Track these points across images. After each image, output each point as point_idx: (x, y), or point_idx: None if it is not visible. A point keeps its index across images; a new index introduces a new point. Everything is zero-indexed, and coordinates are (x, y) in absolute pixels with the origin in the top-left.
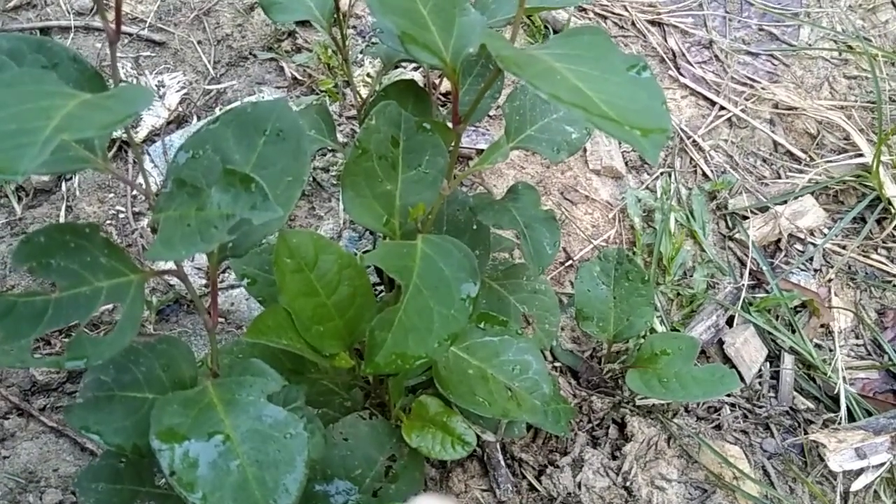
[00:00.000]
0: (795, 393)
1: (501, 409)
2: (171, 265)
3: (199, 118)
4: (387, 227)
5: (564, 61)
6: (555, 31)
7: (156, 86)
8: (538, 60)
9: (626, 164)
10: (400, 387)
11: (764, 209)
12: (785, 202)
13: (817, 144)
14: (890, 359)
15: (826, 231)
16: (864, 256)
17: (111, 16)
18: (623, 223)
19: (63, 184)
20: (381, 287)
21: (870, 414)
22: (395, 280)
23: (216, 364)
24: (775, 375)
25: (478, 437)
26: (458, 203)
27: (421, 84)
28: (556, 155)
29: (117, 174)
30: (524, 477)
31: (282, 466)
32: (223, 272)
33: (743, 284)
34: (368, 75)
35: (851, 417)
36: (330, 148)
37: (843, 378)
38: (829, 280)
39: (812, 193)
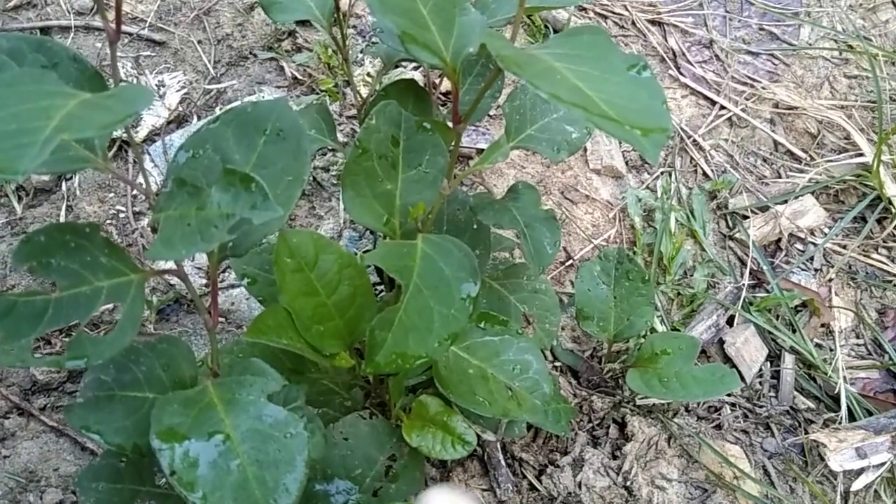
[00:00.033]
0: (796, 392)
1: (502, 409)
2: (171, 265)
3: (199, 118)
4: (387, 226)
5: (564, 61)
6: (555, 31)
7: (156, 85)
8: (538, 60)
9: (627, 163)
10: (400, 386)
11: (764, 209)
12: (785, 202)
13: (818, 144)
14: (890, 358)
15: (826, 230)
16: (864, 256)
17: (111, 15)
18: (623, 223)
19: (63, 183)
20: (382, 287)
21: (870, 413)
22: (396, 280)
23: (216, 364)
24: (776, 375)
25: (478, 436)
26: (458, 202)
27: (421, 83)
28: (557, 154)
29: (117, 174)
30: (524, 476)
31: (282, 466)
32: (223, 272)
33: (743, 284)
34: (368, 75)
35: (852, 417)
36: (330, 147)
37: (844, 378)
38: (830, 280)
39: (812, 193)
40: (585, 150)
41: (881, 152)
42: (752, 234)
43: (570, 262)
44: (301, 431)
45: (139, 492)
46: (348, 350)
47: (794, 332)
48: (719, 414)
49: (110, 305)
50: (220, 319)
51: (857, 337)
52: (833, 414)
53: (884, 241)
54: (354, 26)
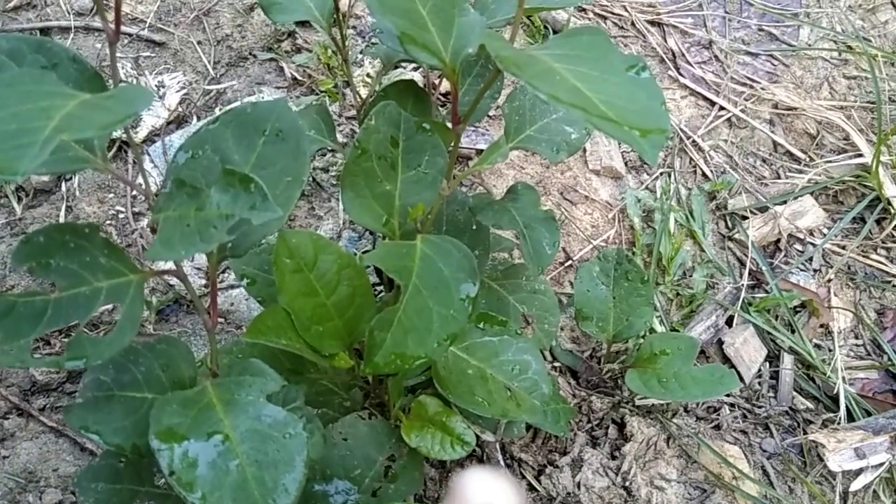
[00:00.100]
0: (795, 393)
1: (501, 409)
2: (170, 265)
3: (198, 118)
4: (386, 227)
5: (564, 62)
6: (554, 32)
7: (155, 86)
8: (537, 61)
9: (626, 164)
10: (399, 387)
11: (763, 209)
12: (784, 202)
13: (817, 144)
14: (889, 359)
15: (825, 231)
16: (863, 256)
17: (111, 16)
18: (622, 223)
19: (63, 184)
20: (381, 287)
21: (869, 414)
22: (395, 280)
23: (215, 364)
24: (775, 375)
25: (477, 436)
26: (457, 203)
27: (420, 84)
28: (556, 155)
29: (117, 174)
30: (524, 477)
31: (281, 466)
32: (223, 272)
33: (742, 284)
34: (368, 75)
35: (851, 417)
36: (329, 148)
37: (843, 378)
38: (829, 280)
39: (811, 193)
40: (585, 150)
41: (880, 153)
42: (751, 235)
43: (570, 262)
44: (300, 432)
45: (138, 492)
46: (347, 350)
47: (793, 332)
48: (718, 414)
49: (110, 306)
50: (220, 320)
51: (856, 337)
52: (832, 414)
53: (883, 242)
54: (354, 27)
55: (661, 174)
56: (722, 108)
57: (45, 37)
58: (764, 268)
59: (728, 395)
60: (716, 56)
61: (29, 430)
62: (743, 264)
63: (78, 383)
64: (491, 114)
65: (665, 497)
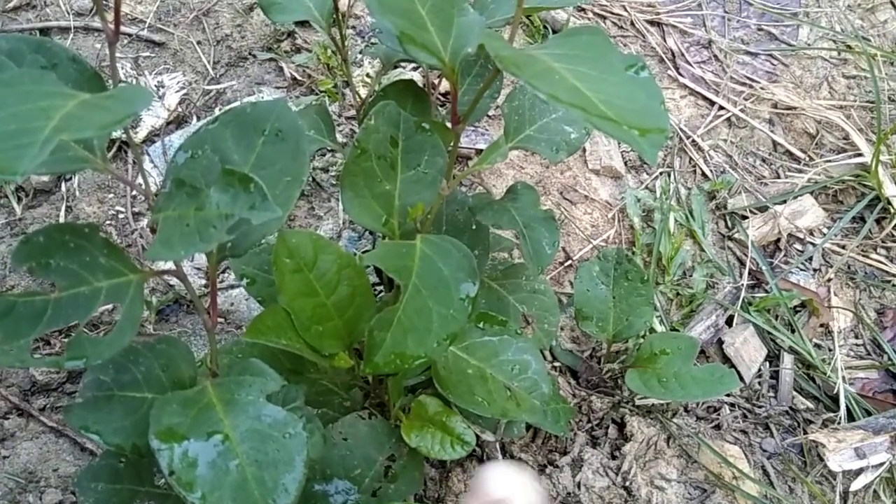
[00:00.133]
0: (795, 393)
1: (500, 409)
2: (170, 265)
3: (198, 118)
4: (386, 227)
5: (563, 61)
6: (554, 31)
7: (155, 86)
8: (537, 60)
9: (626, 163)
10: (399, 386)
11: (763, 209)
12: (784, 202)
13: (816, 144)
14: (889, 358)
15: (825, 231)
16: (863, 256)
17: (110, 16)
18: (622, 223)
19: (63, 184)
20: (381, 287)
21: (869, 414)
22: (394, 280)
23: (215, 364)
24: (775, 375)
25: (477, 436)
26: (457, 203)
27: (420, 84)
28: (556, 155)
29: (117, 174)
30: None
31: (281, 466)
32: (223, 272)
33: (742, 284)
34: (368, 75)
35: (851, 417)
36: (329, 148)
37: (843, 378)
38: (829, 280)
39: (811, 193)
40: (584, 150)
41: (880, 152)
42: (751, 235)
43: (569, 262)
44: (300, 431)
45: (138, 492)
46: (347, 350)
47: (793, 332)
48: (718, 414)
49: (110, 306)
50: (220, 320)
51: (856, 337)
52: (832, 414)
53: (882, 241)
54: (353, 27)
55: (661, 174)
56: (721, 107)
57: (44, 37)
58: (764, 267)
59: (728, 395)
60: (715, 56)
61: (29, 430)
62: (743, 264)
63: (78, 383)
64: (490, 113)
65: (665, 497)
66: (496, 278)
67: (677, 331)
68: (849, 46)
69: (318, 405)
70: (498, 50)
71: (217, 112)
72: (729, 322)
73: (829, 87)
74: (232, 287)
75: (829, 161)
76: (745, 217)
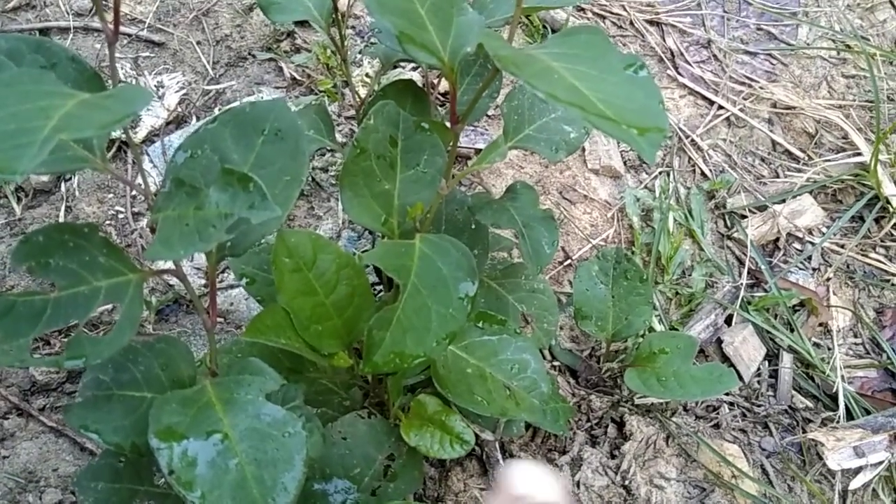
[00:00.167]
0: (794, 392)
1: (500, 408)
2: (170, 265)
3: (198, 118)
4: (385, 226)
5: (562, 60)
6: (553, 31)
7: (155, 86)
8: (536, 60)
9: (625, 163)
10: (398, 386)
11: (762, 208)
12: (783, 201)
13: (815, 143)
14: (888, 357)
15: (824, 230)
16: (862, 255)
17: (110, 17)
18: (622, 222)
19: (62, 184)
20: (380, 286)
21: (868, 412)
22: (394, 279)
23: (215, 363)
24: (774, 374)
25: (476, 435)
26: (456, 202)
27: (419, 84)
28: (555, 154)
29: (116, 174)
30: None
31: (280, 465)
32: (222, 272)
33: (741, 283)
34: (367, 75)
35: (850, 416)
36: (329, 148)
37: (842, 377)
38: (828, 279)
39: (810, 192)
40: (584, 150)
41: (879, 152)
42: (750, 234)
43: (569, 261)
44: (299, 430)
45: (138, 491)
46: (347, 349)
47: (792, 331)
48: (717, 413)
49: (109, 306)
50: (219, 319)
51: (855, 336)
52: (831, 413)
53: (881, 241)
54: (353, 27)
55: (660, 173)
56: (721, 107)
57: (44, 37)
58: (763, 267)
59: (727, 394)
60: (714, 55)
61: (29, 429)
62: (742, 263)
63: (78, 383)
64: (490, 113)
65: (664, 496)
66: (495, 277)
67: (676, 330)
68: (848, 46)
69: (318, 404)
70: (497, 49)
71: (216, 112)
72: (728, 321)
73: (829, 87)
74: (231, 287)
75: (828, 160)
76: (744, 216)
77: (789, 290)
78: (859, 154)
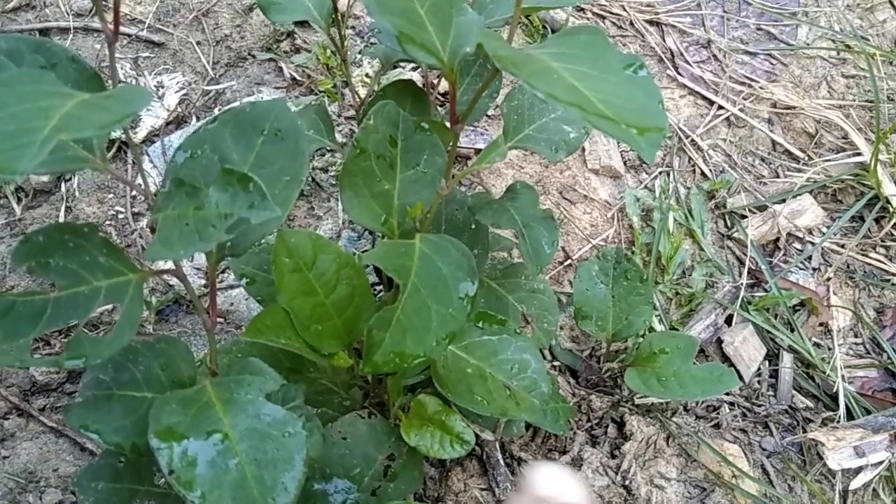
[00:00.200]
0: (794, 391)
1: (500, 408)
2: (170, 265)
3: (197, 118)
4: (385, 226)
5: (561, 60)
6: (553, 31)
7: (155, 86)
8: (535, 60)
9: (625, 163)
10: (398, 386)
11: (762, 208)
12: (783, 201)
13: (815, 143)
14: (888, 357)
15: (824, 230)
16: (862, 255)
17: (110, 17)
18: (622, 222)
19: (62, 184)
20: (380, 286)
21: (868, 412)
22: (394, 279)
23: (215, 363)
24: (774, 374)
25: (476, 435)
26: (456, 202)
27: (419, 84)
28: (555, 154)
29: (116, 174)
30: (523, 476)
31: (280, 465)
32: (222, 272)
33: (742, 283)
34: (367, 75)
35: (850, 416)
36: (328, 148)
37: (842, 376)
38: (828, 279)
39: (810, 192)
40: (584, 150)
41: (878, 151)
42: (750, 234)
43: (569, 261)
44: (299, 430)
45: (138, 491)
46: (347, 349)
47: (792, 331)
48: (718, 413)
49: (109, 306)
50: (219, 319)
51: (856, 336)
52: (831, 413)
53: (881, 241)
54: (353, 27)
55: (660, 173)
56: (721, 107)
57: (44, 37)
58: (763, 266)
59: (727, 394)
60: (714, 55)
61: (29, 430)
62: (742, 263)
63: (78, 383)
64: (490, 113)
65: (665, 496)
66: (495, 277)
67: (677, 330)
68: (848, 46)
69: (318, 404)
70: (496, 49)
71: (216, 112)
72: (728, 321)
73: (828, 87)
74: (231, 287)
75: (828, 160)
76: (744, 216)
77: (789, 289)
78: (859, 154)
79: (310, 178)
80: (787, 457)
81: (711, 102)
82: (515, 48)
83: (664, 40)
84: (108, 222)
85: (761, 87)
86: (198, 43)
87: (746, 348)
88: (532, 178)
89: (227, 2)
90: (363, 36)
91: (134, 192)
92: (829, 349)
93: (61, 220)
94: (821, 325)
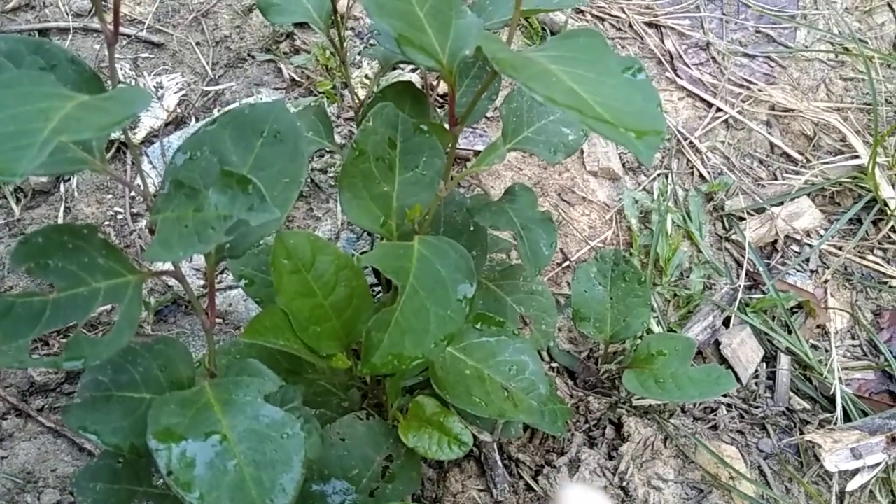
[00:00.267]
0: (791, 393)
1: (498, 410)
2: (168, 266)
3: (197, 119)
4: (384, 228)
5: (560, 63)
6: (552, 33)
7: (154, 87)
8: (534, 63)
9: (623, 165)
10: (397, 387)
11: (760, 210)
12: (781, 203)
13: (814, 146)
14: (886, 359)
15: (822, 232)
16: (860, 257)
17: (109, 17)
18: (620, 224)
19: (61, 185)
20: (379, 288)
21: (865, 414)
22: (392, 281)
23: (213, 364)
24: (772, 376)
25: (474, 437)
26: (455, 204)
27: (418, 86)
28: (553, 156)
29: (115, 175)
30: (521, 477)
31: (279, 466)
32: (221, 273)
33: (739, 285)
34: (366, 77)
35: (847, 418)
36: (328, 149)
37: (839, 378)
38: (826, 281)
39: (808, 195)
40: (582, 152)
41: (876, 154)
42: (748, 236)
43: (567, 263)
44: (298, 432)
45: (136, 492)
46: (345, 351)
47: (789, 333)
48: (715, 415)
49: (108, 307)
50: (218, 320)
51: (853, 338)
52: (828, 415)
53: (879, 243)
54: (352, 28)
55: (659, 175)
56: (719, 109)
57: (43, 38)
58: (761, 269)
59: (725, 396)
60: (713, 58)
61: (27, 430)
62: (740, 265)
63: (76, 383)
64: (489, 115)
65: (662, 497)
66: (494, 279)
67: (674, 332)
68: (846, 49)
69: (316, 405)
70: (495, 52)
71: (216, 113)
72: (726, 323)
73: (827, 90)
74: (230, 288)
75: (827, 163)
76: (742, 218)
77: (787, 292)
78: (857, 156)
79: (309, 180)
80: (784, 458)
81: (710, 105)
82: (514, 51)
83: (663, 42)
84: (106, 223)
85: (760, 90)
86: (197, 44)
87: (744, 350)
88: (531, 180)
89: (226, 3)
90: (362, 37)
91: (133, 193)
92: (827, 351)
93: (60, 220)
94: (818, 327)
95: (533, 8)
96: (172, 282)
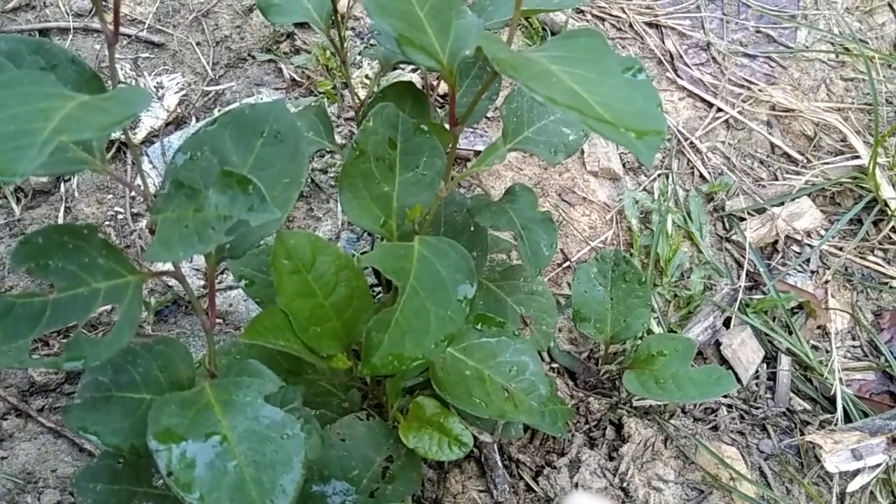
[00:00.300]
0: (792, 394)
1: (498, 410)
2: (169, 266)
3: (197, 119)
4: (384, 228)
5: (560, 64)
6: (552, 33)
7: (154, 87)
8: (534, 63)
9: (624, 165)
10: (397, 388)
11: (761, 211)
12: (782, 204)
13: (814, 146)
14: (886, 360)
15: (823, 233)
16: (860, 258)
17: (110, 17)
18: (620, 225)
19: (62, 185)
20: (379, 288)
21: (866, 415)
22: (392, 281)
23: (213, 365)
24: (772, 377)
25: (475, 437)
26: (455, 204)
27: (419, 86)
28: (554, 156)
29: (115, 175)
30: (521, 478)
31: (279, 467)
32: (221, 273)
33: (740, 286)
34: (367, 77)
35: (848, 419)
36: (328, 149)
37: (840, 379)
38: (826, 281)
39: (809, 195)
40: (583, 152)
41: (877, 154)
42: (748, 236)
43: (567, 263)
44: (298, 432)
45: (136, 492)
46: (345, 351)
47: (790, 333)
48: (716, 415)
49: (108, 307)
50: (218, 321)
51: (853, 339)
52: (829, 415)
53: (880, 244)
54: (352, 28)
55: (659, 176)
56: (720, 109)
57: (43, 38)
58: (761, 269)
59: (725, 396)
60: (713, 58)
61: (27, 430)
62: (740, 266)
63: (76, 384)
64: (489, 115)
65: (662, 498)
66: (494, 280)
67: (675, 332)
68: (847, 49)
69: (316, 406)
70: (495, 52)
71: (216, 113)
72: (726, 324)
73: (827, 90)
74: (230, 288)
75: (827, 163)
76: (742, 219)
77: (788, 292)
78: (858, 157)
79: (309, 180)
80: (784, 459)
81: (710, 105)
82: (514, 51)
83: (663, 42)
84: (107, 223)
85: (760, 90)
86: (198, 44)
87: (744, 351)
88: (531, 180)
89: (227, 2)
90: (363, 37)
91: (133, 193)
92: (827, 352)
93: (60, 220)
94: (819, 327)
95: (533, 8)
96: (172, 282)
